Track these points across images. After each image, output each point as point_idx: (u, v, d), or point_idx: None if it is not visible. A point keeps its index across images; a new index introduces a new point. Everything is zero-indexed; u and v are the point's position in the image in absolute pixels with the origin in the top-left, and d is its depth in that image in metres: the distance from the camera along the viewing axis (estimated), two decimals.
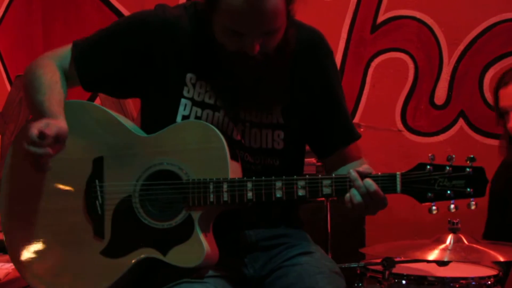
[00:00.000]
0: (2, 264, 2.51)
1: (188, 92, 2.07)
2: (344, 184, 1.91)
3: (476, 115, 4.08)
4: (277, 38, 1.99)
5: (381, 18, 4.17)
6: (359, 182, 1.88)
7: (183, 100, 2.07)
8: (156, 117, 2.09)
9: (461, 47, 4.09)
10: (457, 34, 4.09)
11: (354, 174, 1.90)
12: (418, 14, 4.12)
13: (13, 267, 2.14)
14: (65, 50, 2.13)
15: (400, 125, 4.15)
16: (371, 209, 1.91)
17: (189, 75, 2.07)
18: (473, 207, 1.84)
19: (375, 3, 4.16)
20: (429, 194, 1.85)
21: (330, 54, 2.18)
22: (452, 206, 1.85)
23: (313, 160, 3.36)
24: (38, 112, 1.99)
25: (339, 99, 2.18)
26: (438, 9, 4.10)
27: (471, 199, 1.84)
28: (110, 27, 2.13)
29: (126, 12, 4.44)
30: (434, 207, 1.87)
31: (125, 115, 3.41)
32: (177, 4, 2.15)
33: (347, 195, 1.91)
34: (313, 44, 2.13)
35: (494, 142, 4.03)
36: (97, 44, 2.11)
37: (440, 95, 4.13)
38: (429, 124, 4.14)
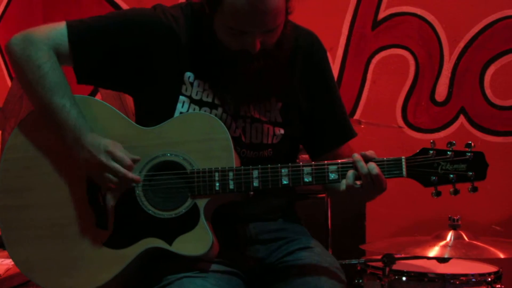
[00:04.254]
0: (2, 259, 2.51)
1: (186, 90, 2.08)
2: (350, 169, 1.92)
3: (477, 112, 4.08)
4: (277, 34, 2.03)
5: (382, 14, 4.16)
6: (362, 163, 1.90)
7: (181, 97, 2.08)
8: (153, 114, 2.08)
9: (462, 44, 4.09)
10: (458, 31, 4.09)
11: (357, 155, 1.92)
12: (419, 11, 4.12)
13: (13, 262, 2.13)
14: (57, 32, 2.07)
15: (400, 122, 4.15)
16: (366, 192, 1.92)
17: (187, 74, 2.09)
18: (473, 191, 1.88)
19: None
20: (433, 178, 1.90)
21: (325, 55, 2.24)
22: (453, 190, 1.89)
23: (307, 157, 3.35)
24: (62, 119, 2.01)
25: (336, 98, 2.23)
26: (439, 6, 4.09)
27: (472, 183, 1.89)
28: (109, 22, 2.09)
29: (126, 7, 4.43)
30: (438, 190, 1.90)
31: (125, 111, 3.41)
32: (174, 5, 2.16)
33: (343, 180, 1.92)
34: (310, 46, 2.18)
35: (495, 139, 4.03)
36: (96, 37, 2.07)
37: (441, 91, 4.12)
38: (430, 121, 4.14)
